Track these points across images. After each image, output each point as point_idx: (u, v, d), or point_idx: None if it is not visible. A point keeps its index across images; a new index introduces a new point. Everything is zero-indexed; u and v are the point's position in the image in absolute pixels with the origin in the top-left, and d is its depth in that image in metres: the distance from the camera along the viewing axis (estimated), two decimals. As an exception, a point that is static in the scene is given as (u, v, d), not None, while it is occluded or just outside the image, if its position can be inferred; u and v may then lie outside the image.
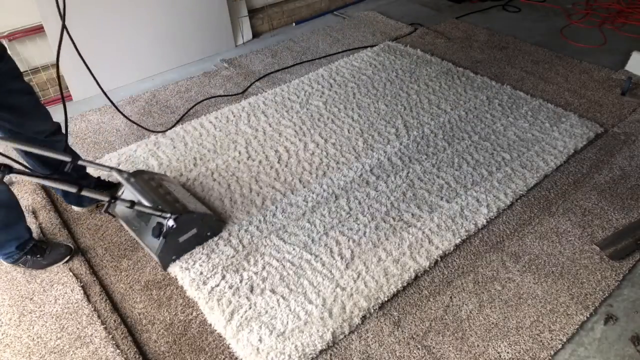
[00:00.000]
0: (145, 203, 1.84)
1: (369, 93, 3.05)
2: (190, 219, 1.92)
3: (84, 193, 1.64)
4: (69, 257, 1.99)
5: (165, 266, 1.94)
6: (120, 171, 1.95)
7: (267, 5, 4.09)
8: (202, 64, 3.56)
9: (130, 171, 2.02)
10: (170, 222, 1.84)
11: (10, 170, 1.46)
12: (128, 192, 1.97)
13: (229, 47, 3.77)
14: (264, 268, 1.92)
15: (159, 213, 1.83)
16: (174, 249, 1.92)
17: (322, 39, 3.83)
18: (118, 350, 1.65)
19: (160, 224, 1.85)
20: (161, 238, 1.85)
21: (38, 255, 1.94)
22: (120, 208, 2.03)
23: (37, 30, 2.94)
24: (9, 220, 1.83)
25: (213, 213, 2.09)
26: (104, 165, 1.94)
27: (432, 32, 3.90)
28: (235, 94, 3.15)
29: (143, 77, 3.39)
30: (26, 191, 2.33)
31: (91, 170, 2.25)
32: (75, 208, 2.25)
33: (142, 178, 2.00)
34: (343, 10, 4.46)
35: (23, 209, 1.94)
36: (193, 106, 3.02)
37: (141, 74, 3.38)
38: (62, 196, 2.20)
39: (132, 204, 1.76)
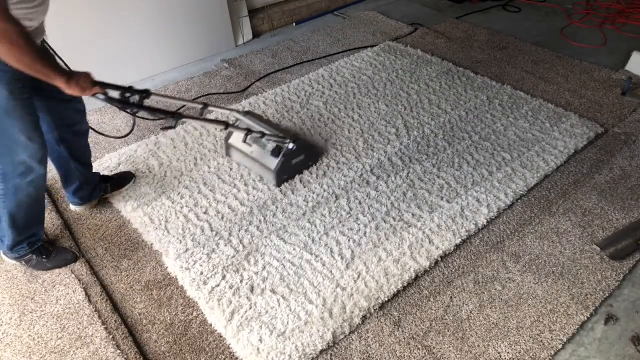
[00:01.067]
0: (267, 132, 2.23)
1: (369, 93, 3.05)
2: (303, 144, 2.32)
3: (230, 129, 2.14)
4: (73, 263, 1.99)
5: (278, 183, 2.29)
6: (237, 111, 2.33)
7: (267, 5, 4.09)
8: (202, 64, 3.56)
9: (244, 111, 2.40)
10: (290, 145, 2.23)
11: (180, 116, 1.92)
12: (245, 124, 2.31)
13: (229, 47, 3.77)
14: (264, 268, 1.93)
15: (281, 135, 2.23)
16: (287, 168, 2.29)
17: (322, 39, 3.83)
18: (118, 351, 1.65)
19: (279, 146, 2.24)
20: (280, 157, 2.23)
21: (44, 257, 1.95)
22: (234, 138, 2.40)
23: (37, 30, 2.93)
24: (37, 214, 1.89)
25: (319, 146, 2.50)
26: (224, 107, 2.34)
27: (432, 32, 3.90)
28: (235, 92, 3.15)
29: (143, 77, 3.39)
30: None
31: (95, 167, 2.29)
32: (75, 208, 2.25)
33: (255, 115, 2.39)
34: (343, 10, 4.46)
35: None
36: (190, 101, 3.03)
37: (141, 74, 3.38)
38: (71, 194, 2.18)
39: (263, 133, 2.20)
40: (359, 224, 2.11)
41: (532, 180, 2.33)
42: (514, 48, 3.64)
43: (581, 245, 2.02)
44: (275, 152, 2.23)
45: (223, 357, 1.67)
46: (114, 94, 1.82)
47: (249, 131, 2.16)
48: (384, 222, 2.12)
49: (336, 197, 2.26)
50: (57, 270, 1.94)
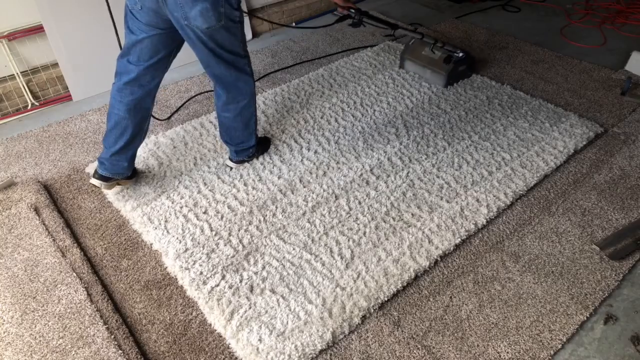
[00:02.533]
0: (446, 43, 2.98)
1: (369, 93, 3.05)
2: (466, 56, 2.98)
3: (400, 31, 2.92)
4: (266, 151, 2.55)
5: (448, 84, 3.00)
6: (414, 30, 3.01)
7: (267, 5, 4.09)
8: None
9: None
10: (460, 54, 2.93)
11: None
12: (418, 42, 3.08)
13: (229, 47, 3.77)
14: (263, 268, 1.93)
15: (452, 49, 2.94)
16: (454, 74, 2.99)
17: (322, 39, 3.84)
18: (120, 351, 1.65)
19: (450, 55, 2.93)
20: (451, 64, 2.92)
21: (260, 145, 2.50)
22: (409, 52, 3.18)
23: (37, 30, 2.94)
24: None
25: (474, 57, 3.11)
26: (407, 27, 3.08)
27: (432, 32, 3.90)
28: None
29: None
30: (30, 191, 2.34)
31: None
32: (99, 183, 2.21)
33: (426, 34, 3.00)
34: (343, 10, 4.46)
35: (28, 207, 2.14)
36: (188, 100, 3.04)
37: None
38: (106, 169, 2.19)
39: (444, 43, 2.96)
40: (358, 224, 2.11)
41: (532, 180, 2.33)
42: (513, 48, 3.64)
43: (581, 245, 2.03)
44: (447, 60, 2.92)
45: (223, 357, 1.67)
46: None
47: (435, 42, 2.90)
48: (384, 222, 2.12)
49: (336, 197, 2.27)
50: (58, 269, 1.95)
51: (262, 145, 2.52)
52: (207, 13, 1.83)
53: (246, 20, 3.84)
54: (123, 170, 2.23)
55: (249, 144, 2.39)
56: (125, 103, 2.11)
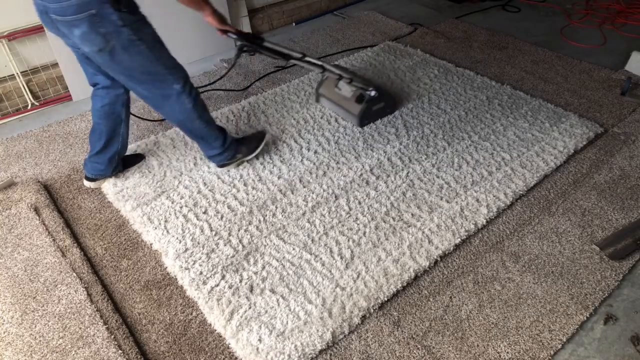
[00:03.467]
0: (356, 80, 2.59)
1: (369, 93, 3.05)
2: (383, 93, 2.70)
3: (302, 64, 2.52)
4: (263, 138, 2.46)
5: (362, 125, 2.68)
6: (328, 63, 2.61)
7: (267, 5, 4.09)
8: (202, 64, 3.56)
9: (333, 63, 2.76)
10: (372, 92, 2.60)
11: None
12: (332, 77, 2.69)
13: (229, 47, 3.77)
14: (263, 268, 1.93)
15: (363, 86, 2.60)
16: (368, 114, 2.67)
17: (322, 39, 3.84)
18: (120, 351, 1.65)
19: (362, 94, 2.62)
20: (363, 103, 2.61)
21: (241, 144, 2.38)
22: (324, 88, 2.83)
23: (37, 30, 2.94)
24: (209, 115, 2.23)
25: (396, 95, 2.84)
26: (315, 59, 2.57)
27: (432, 32, 3.90)
28: (235, 90, 3.16)
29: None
30: (30, 191, 2.34)
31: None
32: (90, 184, 2.35)
33: (342, 67, 2.72)
34: (343, 10, 4.46)
35: (28, 207, 2.20)
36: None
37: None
38: (94, 163, 2.28)
39: (351, 79, 2.57)
40: (358, 224, 2.11)
41: (532, 180, 2.33)
42: (513, 48, 3.64)
43: (581, 245, 2.03)
44: (359, 99, 2.62)
45: (222, 357, 1.67)
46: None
47: (340, 76, 2.56)
48: (384, 222, 2.12)
49: (336, 197, 2.27)
50: (58, 269, 1.95)
51: (249, 144, 2.41)
52: (89, 37, 1.72)
53: (246, 20, 3.85)
54: (102, 171, 2.31)
55: (214, 151, 2.29)
56: (97, 109, 2.14)
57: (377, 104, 2.66)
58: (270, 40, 2.39)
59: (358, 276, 1.88)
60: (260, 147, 2.43)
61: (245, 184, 2.34)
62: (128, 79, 1.94)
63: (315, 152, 2.54)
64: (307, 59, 2.49)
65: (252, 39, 2.30)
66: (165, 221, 2.15)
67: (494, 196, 2.24)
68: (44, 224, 2.16)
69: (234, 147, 2.33)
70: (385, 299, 1.81)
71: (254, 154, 2.41)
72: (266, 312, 1.76)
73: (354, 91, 2.64)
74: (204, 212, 2.19)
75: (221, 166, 2.36)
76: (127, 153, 2.48)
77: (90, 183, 2.35)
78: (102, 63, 1.88)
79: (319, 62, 2.51)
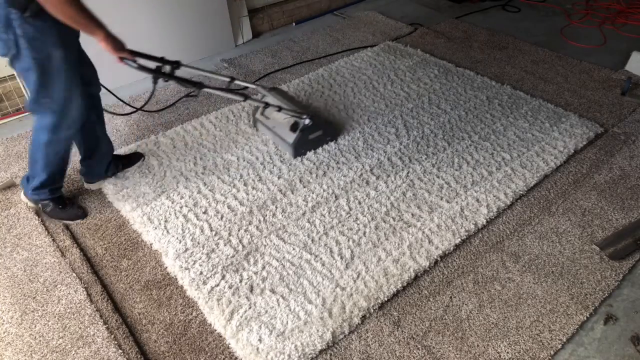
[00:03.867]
0: (287, 107, 2.40)
1: (369, 93, 3.05)
2: (320, 121, 2.50)
3: (249, 102, 2.26)
4: (81, 219, 2.20)
5: (296, 155, 2.46)
6: (263, 86, 2.53)
7: (267, 5, 4.09)
8: (202, 63, 3.55)
9: (269, 87, 2.62)
10: (307, 120, 2.40)
11: (202, 86, 2.10)
12: (270, 101, 2.48)
13: (229, 47, 3.77)
14: (263, 268, 1.93)
15: (297, 115, 2.39)
16: (304, 143, 2.46)
17: (322, 39, 3.84)
18: (120, 351, 1.65)
19: (297, 122, 2.42)
20: (297, 132, 2.41)
21: (60, 206, 2.18)
22: (260, 113, 2.59)
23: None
24: (65, 165, 2.12)
25: (336, 124, 2.62)
26: (250, 82, 2.53)
27: (432, 32, 3.90)
28: (231, 88, 3.15)
29: (143, 76, 3.37)
30: (26, 191, 2.34)
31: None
32: (90, 186, 2.38)
33: (279, 92, 2.60)
34: (343, 10, 4.46)
35: (27, 207, 2.23)
36: (184, 96, 3.07)
37: (141, 73, 3.36)
38: (87, 168, 2.33)
39: (280, 107, 2.36)
40: (358, 224, 2.11)
41: (532, 180, 2.33)
42: (513, 48, 3.64)
43: (581, 245, 2.03)
44: (293, 127, 2.43)
45: (222, 357, 1.67)
46: (146, 63, 2.06)
47: (266, 104, 2.37)
48: (384, 222, 2.12)
49: (336, 197, 2.26)
50: (57, 269, 1.95)
51: (64, 212, 2.19)
52: None
53: (246, 20, 3.84)
54: (96, 173, 2.34)
55: (28, 182, 2.14)
56: None
57: (313, 132, 2.46)
58: (196, 66, 2.22)
59: (358, 276, 1.88)
60: (66, 220, 2.20)
61: (245, 184, 2.34)
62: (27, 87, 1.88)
63: (315, 152, 2.54)
64: (238, 82, 2.32)
65: (162, 65, 2.07)
66: (165, 221, 2.15)
67: (494, 196, 2.24)
68: (43, 225, 2.16)
69: (43, 197, 2.15)
70: (385, 299, 1.81)
71: (62, 220, 2.20)
72: (266, 312, 1.76)
73: (288, 119, 2.45)
74: (204, 212, 2.19)
75: (24, 193, 2.20)
76: (127, 152, 2.50)
77: (89, 185, 2.39)
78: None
79: (243, 92, 2.28)
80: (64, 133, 1.97)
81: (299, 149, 2.46)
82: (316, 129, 2.46)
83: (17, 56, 1.74)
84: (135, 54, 1.95)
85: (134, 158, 2.49)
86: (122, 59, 1.91)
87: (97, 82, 2.19)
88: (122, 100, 2.97)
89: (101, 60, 3.11)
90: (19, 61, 1.76)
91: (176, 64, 2.08)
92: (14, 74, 2.97)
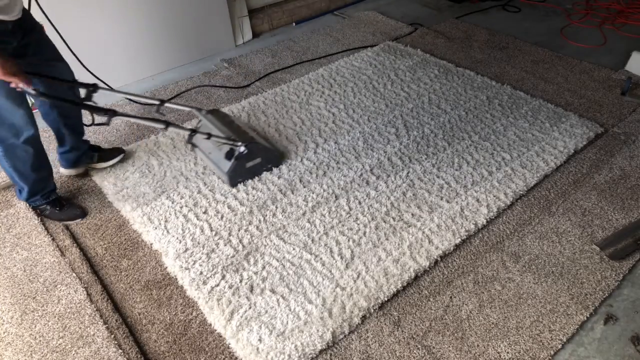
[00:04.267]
0: (221, 134, 2.26)
1: (369, 93, 3.05)
2: (257, 148, 2.32)
3: (171, 128, 2.07)
4: (81, 219, 2.21)
5: (232, 184, 2.32)
6: (198, 109, 2.41)
7: (267, 5, 4.09)
8: (202, 63, 3.56)
9: (207, 109, 2.45)
10: (242, 148, 2.24)
11: (114, 113, 1.90)
12: (205, 126, 2.41)
13: (229, 47, 3.77)
14: (263, 268, 1.93)
15: (231, 143, 2.25)
16: (241, 171, 2.32)
17: (322, 39, 3.84)
18: (120, 351, 1.65)
19: (232, 149, 2.27)
20: (233, 160, 2.26)
21: (57, 208, 2.20)
22: (197, 139, 2.40)
23: (38, 30, 2.93)
24: (41, 167, 2.10)
25: (277, 149, 2.43)
26: (185, 105, 2.41)
27: (432, 32, 3.90)
28: (235, 87, 3.16)
29: (143, 76, 3.39)
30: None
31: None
32: (63, 171, 2.42)
33: (217, 115, 2.45)
34: (343, 10, 4.46)
35: (27, 207, 2.22)
36: (186, 90, 3.14)
37: (141, 73, 3.38)
38: (60, 155, 2.36)
39: (209, 135, 2.21)
40: (358, 224, 2.11)
41: (532, 180, 2.33)
42: (513, 48, 3.64)
43: (581, 246, 2.03)
44: (228, 155, 2.28)
45: (222, 357, 1.67)
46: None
47: (192, 131, 2.19)
48: (384, 222, 2.12)
49: (336, 197, 2.26)
50: (57, 269, 1.94)
51: (61, 214, 2.21)
52: None
53: (246, 20, 3.84)
54: (70, 161, 2.39)
55: (21, 193, 2.18)
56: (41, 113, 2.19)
57: (251, 159, 2.31)
58: (123, 90, 2.13)
59: (358, 276, 1.88)
60: (66, 221, 2.21)
61: (245, 184, 2.34)
62: None
63: (315, 152, 2.54)
64: (170, 105, 2.25)
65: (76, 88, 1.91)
66: (165, 221, 2.15)
67: (494, 196, 2.24)
68: (43, 224, 2.16)
69: (38, 204, 2.19)
70: (386, 299, 1.81)
71: (61, 221, 2.21)
72: (266, 312, 1.76)
73: (223, 146, 2.31)
74: (204, 212, 2.19)
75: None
76: (108, 146, 2.58)
77: (63, 170, 2.43)
78: None
79: (166, 120, 2.13)
80: (12, 142, 1.93)
81: (235, 177, 2.31)
82: (254, 157, 2.31)
83: None
84: (41, 76, 1.89)
85: (114, 152, 2.50)
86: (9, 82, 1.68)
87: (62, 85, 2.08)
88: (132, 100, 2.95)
89: (103, 60, 3.12)
90: None
91: (92, 87, 1.99)
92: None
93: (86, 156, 2.41)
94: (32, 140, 1.98)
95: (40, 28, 1.94)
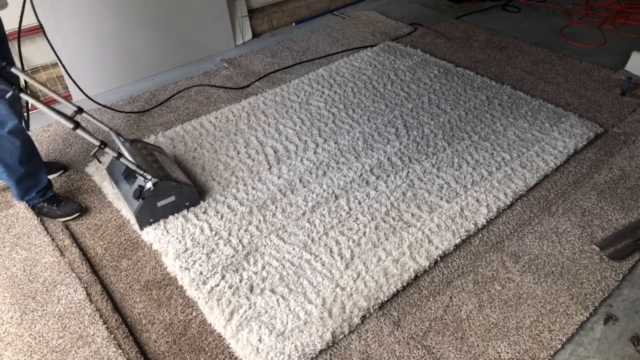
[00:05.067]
0: (131, 160, 2.01)
1: (369, 93, 3.05)
2: (169, 186, 2.08)
3: (79, 132, 1.88)
4: (78, 213, 2.21)
5: (141, 226, 2.10)
6: (118, 134, 2.16)
7: (267, 5, 4.09)
8: (202, 64, 3.56)
9: (129, 138, 2.24)
10: (149, 185, 2.01)
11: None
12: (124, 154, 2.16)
13: (229, 47, 3.78)
14: (263, 268, 1.93)
15: (141, 172, 2.00)
16: (151, 211, 2.08)
17: (322, 39, 3.84)
18: (120, 351, 1.65)
19: (141, 187, 2.04)
20: (140, 200, 2.04)
21: (54, 205, 2.19)
22: (111, 169, 2.26)
23: (37, 30, 2.93)
24: (29, 160, 2.09)
25: (193, 185, 2.19)
26: (102, 123, 2.18)
27: (432, 32, 3.90)
28: (235, 88, 3.16)
29: (143, 76, 3.39)
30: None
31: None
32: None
33: (136, 145, 2.22)
34: (343, 10, 4.46)
35: (26, 207, 2.21)
36: (182, 90, 3.14)
37: (141, 73, 3.38)
38: (18, 195, 2.22)
39: (119, 155, 1.97)
40: (358, 224, 2.11)
41: (532, 181, 2.33)
42: (513, 48, 3.64)
43: (581, 246, 2.03)
44: (136, 194, 2.05)
45: (222, 357, 1.67)
46: None
47: (102, 144, 1.96)
48: (384, 222, 2.12)
49: (336, 197, 2.26)
50: (57, 269, 1.94)
51: (63, 208, 2.21)
52: None
53: (246, 20, 3.84)
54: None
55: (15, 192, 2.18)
56: None
57: (163, 198, 2.07)
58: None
59: (358, 276, 1.88)
60: (65, 217, 2.21)
61: (245, 184, 2.34)
62: None
63: (315, 152, 2.54)
64: (87, 115, 2.10)
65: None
66: (165, 221, 2.14)
67: (494, 196, 2.24)
68: (42, 224, 2.16)
69: (36, 202, 2.19)
70: (385, 299, 1.81)
71: (60, 218, 2.21)
72: (266, 312, 1.76)
73: (134, 182, 2.10)
74: (204, 212, 2.19)
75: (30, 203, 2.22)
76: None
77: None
78: None
79: (76, 119, 1.91)
80: None
81: (144, 218, 2.08)
82: (166, 196, 2.08)
83: None
84: None
85: (54, 167, 2.47)
86: None
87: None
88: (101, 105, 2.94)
89: (103, 59, 3.12)
90: None
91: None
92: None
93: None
94: (16, 131, 1.97)
95: None
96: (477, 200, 2.22)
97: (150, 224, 2.11)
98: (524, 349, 1.65)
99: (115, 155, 1.96)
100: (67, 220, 2.21)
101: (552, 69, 3.35)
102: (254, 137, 2.68)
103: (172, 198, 2.11)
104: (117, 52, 3.20)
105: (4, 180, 2.15)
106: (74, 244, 2.07)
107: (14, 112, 1.93)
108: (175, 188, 2.10)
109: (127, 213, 2.18)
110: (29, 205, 2.21)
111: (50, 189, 2.21)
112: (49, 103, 2.34)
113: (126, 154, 2.03)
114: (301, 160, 2.49)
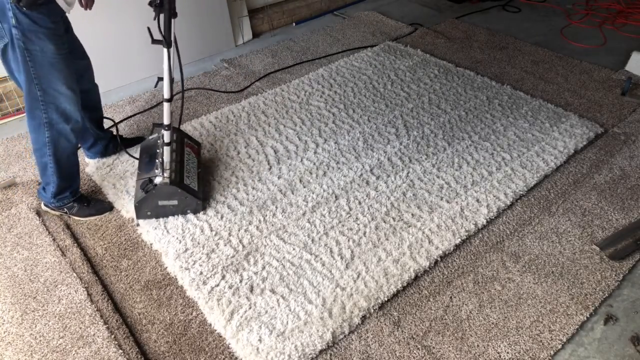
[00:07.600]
0: (160, 152, 2.11)
1: (369, 93, 3.05)
2: (174, 191, 2.10)
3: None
4: (108, 212, 2.24)
5: (138, 216, 2.14)
6: (158, 125, 2.29)
7: (267, 5, 4.09)
8: (202, 64, 3.56)
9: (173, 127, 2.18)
10: (158, 180, 2.08)
11: None
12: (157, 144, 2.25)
13: (229, 47, 3.78)
14: (263, 268, 1.93)
15: (160, 167, 2.09)
16: (151, 206, 2.12)
17: (322, 39, 3.84)
18: (120, 351, 1.65)
19: (150, 181, 2.10)
20: (143, 192, 2.09)
21: (85, 204, 2.21)
22: (144, 146, 2.33)
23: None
24: (75, 162, 2.14)
25: (200, 197, 2.18)
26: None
27: (432, 32, 3.90)
28: (234, 91, 3.16)
29: (143, 77, 3.39)
30: (31, 194, 2.34)
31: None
32: (90, 161, 2.51)
33: (178, 137, 2.29)
34: (343, 10, 4.46)
35: (28, 207, 2.23)
36: (187, 89, 3.16)
37: (141, 74, 3.38)
38: (87, 149, 2.48)
39: (164, 143, 2.07)
40: (358, 224, 2.11)
41: (532, 181, 2.33)
42: (513, 48, 3.64)
43: (581, 246, 2.03)
44: (144, 184, 2.10)
45: (222, 357, 1.67)
46: None
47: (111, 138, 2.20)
48: (384, 222, 2.12)
49: (336, 197, 2.27)
50: (58, 269, 1.95)
51: (90, 208, 2.23)
52: None
53: (246, 20, 3.84)
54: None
55: (43, 191, 2.16)
56: None
57: (166, 199, 2.10)
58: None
59: (358, 276, 1.88)
60: (95, 215, 2.23)
61: (245, 184, 2.34)
62: (18, 80, 1.89)
63: (315, 152, 2.54)
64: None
65: None
66: (165, 221, 2.15)
67: (494, 196, 2.24)
68: (44, 224, 2.16)
69: (66, 202, 2.17)
70: (386, 299, 1.81)
71: (91, 217, 2.22)
72: (266, 312, 1.76)
73: (150, 171, 2.15)
74: (204, 212, 2.19)
75: (45, 205, 2.21)
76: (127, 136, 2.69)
77: (92, 160, 2.53)
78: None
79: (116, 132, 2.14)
80: (61, 127, 1.97)
81: (142, 210, 2.11)
82: (169, 198, 2.10)
83: (9, 46, 1.76)
84: None
85: (137, 141, 2.60)
86: None
87: (89, 77, 2.24)
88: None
89: (103, 59, 3.12)
90: (12, 51, 1.77)
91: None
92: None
93: (113, 145, 2.51)
94: (77, 130, 2.03)
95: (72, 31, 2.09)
96: (477, 201, 2.22)
97: (148, 217, 2.14)
98: (524, 349, 1.65)
99: (155, 136, 2.20)
100: (96, 219, 2.22)
101: (552, 69, 3.36)
102: (254, 137, 2.68)
103: (175, 202, 2.13)
104: (116, 52, 3.20)
105: (45, 177, 2.08)
106: (75, 244, 2.07)
107: (80, 110, 2.00)
108: (179, 195, 2.11)
109: (131, 201, 2.24)
110: (58, 205, 2.17)
111: (79, 189, 2.22)
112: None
113: (159, 149, 2.15)
114: (301, 160, 2.49)
